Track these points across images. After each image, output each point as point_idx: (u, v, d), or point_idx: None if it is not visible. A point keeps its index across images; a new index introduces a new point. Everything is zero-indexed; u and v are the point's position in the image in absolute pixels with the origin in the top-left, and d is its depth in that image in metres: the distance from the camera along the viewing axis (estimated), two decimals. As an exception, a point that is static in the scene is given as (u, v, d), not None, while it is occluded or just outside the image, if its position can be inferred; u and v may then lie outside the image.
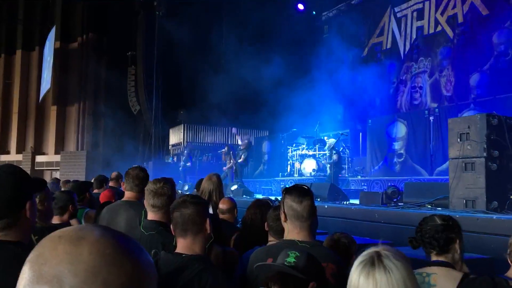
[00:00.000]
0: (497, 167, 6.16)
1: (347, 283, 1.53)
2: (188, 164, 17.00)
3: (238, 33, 18.26)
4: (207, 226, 2.24)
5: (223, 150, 15.28)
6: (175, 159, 20.56)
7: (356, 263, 1.51)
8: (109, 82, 22.10)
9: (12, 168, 1.71)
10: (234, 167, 14.10)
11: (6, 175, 1.65)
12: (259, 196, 11.76)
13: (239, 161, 13.95)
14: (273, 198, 5.09)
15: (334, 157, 13.27)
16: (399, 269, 1.46)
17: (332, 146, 13.77)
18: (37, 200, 2.94)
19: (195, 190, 5.66)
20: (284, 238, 2.40)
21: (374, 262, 1.47)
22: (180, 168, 17.04)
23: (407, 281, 1.46)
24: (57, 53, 24.16)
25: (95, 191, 6.14)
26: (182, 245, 2.20)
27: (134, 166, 3.70)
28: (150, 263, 0.75)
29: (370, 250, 1.53)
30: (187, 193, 7.65)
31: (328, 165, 13.60)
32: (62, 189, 7.70)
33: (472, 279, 2.26)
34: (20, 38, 26.03)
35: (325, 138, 15.37)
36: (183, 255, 2.14)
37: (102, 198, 5.04)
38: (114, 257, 0.69)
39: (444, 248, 2.41)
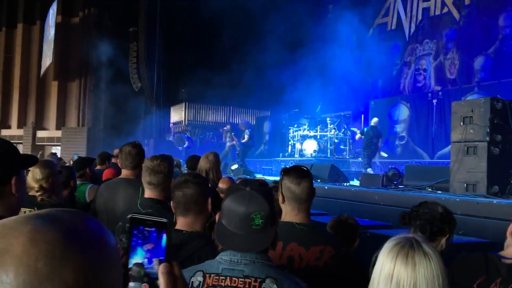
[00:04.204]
0: (499, 152, 6.12)
1: (375, 270, 1.51)
2: (186, 144, 16.94)
3: (241, 12, 18.02)
4: (209, 205, 2.25)
5: (225, 128, 15.18)
6: (173, 141, 20.55)
7: (389, 246, 1.50)
8: (110, 58, 21.94)
9: None
10: (238, 148, 14.02)
11: None
12: (259, 176, 11.78)
13: (243, 141, 13.86)
14: (271, 178, 5.07)
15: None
16: (436, 256, 1.48)
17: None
18: (40, 176, 2.92)
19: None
20: (282, 220, 2.37)
21: (414, 245, 1.47)
22: (180, 149, 17.02)
23: (442, 269, 1.47)
24: (58, 27, 23.97)
25: (98, 167, 6.14)
26: (183, 223, 2.20)
27: (128, 142, 3.60)
28: (105, 248, 0.65)
29: (403, 235, 1.53)
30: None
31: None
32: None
33: (465, 255, 2.26)
34: (21, 12, 25.79)
35: (328, 119, 15.30)
36: (184, 232, 2.15)
37: (105, 176, 5.03)
38: (49, 268, 0.58)
39: (432, 237, 2.37)
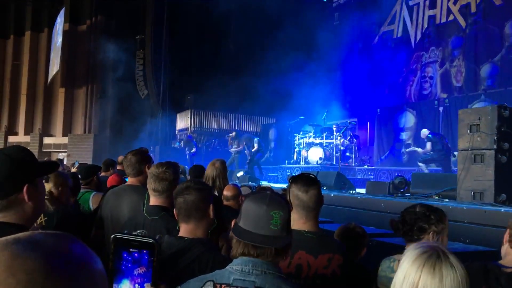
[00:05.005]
0: (506, 160, 6.09)
1: (397, 277, 1.50)
2: (193, 150, 16.98)
3: (248, 19, 18.10)
4: (210, 212, 2.25)
5: (231, 134, 15.20)
6: (181, 144, 20.57)
7: (414, 254, 1.48)
8: (117, 66, 22.07)
9: (12, 150, 1.65)
10: (249, 157, 14.08)
11: (4, 156, 1.60)
12: (265, 183, 11.76)
13: (253, 150, 13.91)
14: (277, 185, 5.06)
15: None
16: (463, 268, 1.46)
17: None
18: (52, 183, 2.93)
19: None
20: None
21: (440, 256, 1.45)
22: (187, 154, 17.04)
23: (467, 282, 1.46)
24: (65, 35, 24.15)
25: (102, 174, 6.15)
26: (185, 230, 2.20)
27: (131, 150, 3.59)
28: (91, 275, 0.60)
29: (430, 244, 1.52)
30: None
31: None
32: (72, 171, 7.74)
33: (465, 265, 2.25)
34: (29, 20, 25.99)
35: (333, 127, 15.29)
36: (185, 239, 2.15)
37: (110, 182, 5.04)
38: None
39: (415, 237, 2.36)
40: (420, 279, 1.42)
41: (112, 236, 1.08)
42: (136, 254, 1.08)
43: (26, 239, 0.59)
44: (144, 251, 1.09)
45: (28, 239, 0.59)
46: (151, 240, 1.09)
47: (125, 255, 1.08)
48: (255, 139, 14.10)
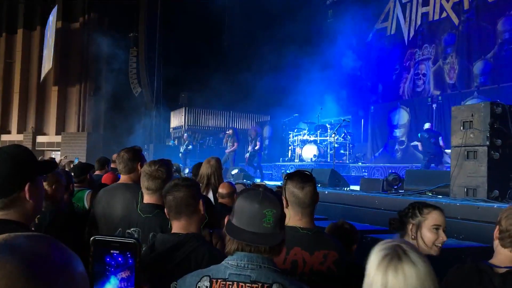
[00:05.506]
0: (499, 156, 6.12)
1: (367, 280, 1.51)
2: (190, 147, 16.97)
3: (242, 17, 18.07)
4: (201, 207, 2.27)
5: (228, 132, 15.16)
6: (175, 142, 20.53)
7: (377, 258, 1.49)
8: (110, 63, 21.99)
9: (13, 149, 1.66)
10: (247, 154, 14.09)
11: (6, 155, 1.61)
12: (258, 181, 11.77)
13: (256, 147, 13.92)
14: (271, 183, 5.06)
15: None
16: (424, 262, 1.47)
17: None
18: (44, 182, 2.92)
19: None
20: (285, 224, 2.37)
21: (401, 256, 1.47)
22: (181, 151, 16.99)
23: (432, 274, 1.47)
24: (58, 33, 24.00)
25: (97, 172, 6.13)
26: (178, 226, 2.22)
27: (124, 148, 3.58)
28: (71, 278, 0.59)
29: (390, 244, 1.53)
30: (187, 176, 7.60)
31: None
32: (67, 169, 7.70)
33: (457, 267, 2.25)
34: (22, 17, 25.83)
35: (327, 124, 15.30)
36: (179, 234, 2.17)
37: (104, 180, 5.03)
38: None
39: (401, 231, 2.54)
40: (388, 283, 1.44)
41: (91, 238, 1.06)
42: (120, 258, 1.06)
43: (4, 242, 0.57)
44: (128, 254, 1.06)
45: (5, 243, 0.57)
46: (132, 241, 1.06)
47: (108, 259, 1.05)
48: (258, 137, 14.13)
